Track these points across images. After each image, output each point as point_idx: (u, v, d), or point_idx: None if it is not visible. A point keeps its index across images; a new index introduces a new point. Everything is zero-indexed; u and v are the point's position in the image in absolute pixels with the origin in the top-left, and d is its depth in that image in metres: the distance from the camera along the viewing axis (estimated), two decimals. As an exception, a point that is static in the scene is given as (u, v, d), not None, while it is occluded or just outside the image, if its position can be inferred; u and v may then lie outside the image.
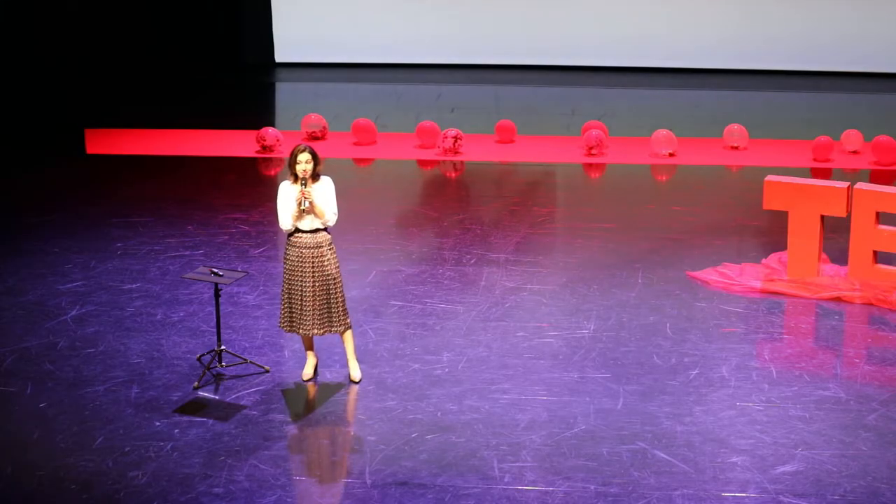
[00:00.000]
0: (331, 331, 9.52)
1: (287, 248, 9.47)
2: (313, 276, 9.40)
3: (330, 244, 9.43)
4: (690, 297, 11.36)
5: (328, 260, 9.42)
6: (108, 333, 10.63)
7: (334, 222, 9.44)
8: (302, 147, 9.33)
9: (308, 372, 9.82)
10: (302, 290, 9.44)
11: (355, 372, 9.75)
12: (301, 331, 9.52)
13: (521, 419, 9.12)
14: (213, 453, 8.67)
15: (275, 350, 10.30)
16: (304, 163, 9.26)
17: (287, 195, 9.35)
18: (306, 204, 9.25)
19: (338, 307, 9.49)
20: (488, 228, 13.34)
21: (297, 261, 9.42)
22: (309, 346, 9.84)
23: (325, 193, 9.36)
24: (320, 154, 9.47)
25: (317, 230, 9.39)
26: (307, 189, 9.25)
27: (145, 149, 16.69)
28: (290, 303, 9.51)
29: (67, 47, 17.76)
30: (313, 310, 9.45)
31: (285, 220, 9.38)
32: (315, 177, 9.34)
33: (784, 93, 19.89)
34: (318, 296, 9.43)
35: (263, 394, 9.55)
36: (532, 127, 17.42)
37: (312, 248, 9.39)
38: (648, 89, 20.07)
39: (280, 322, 9.62)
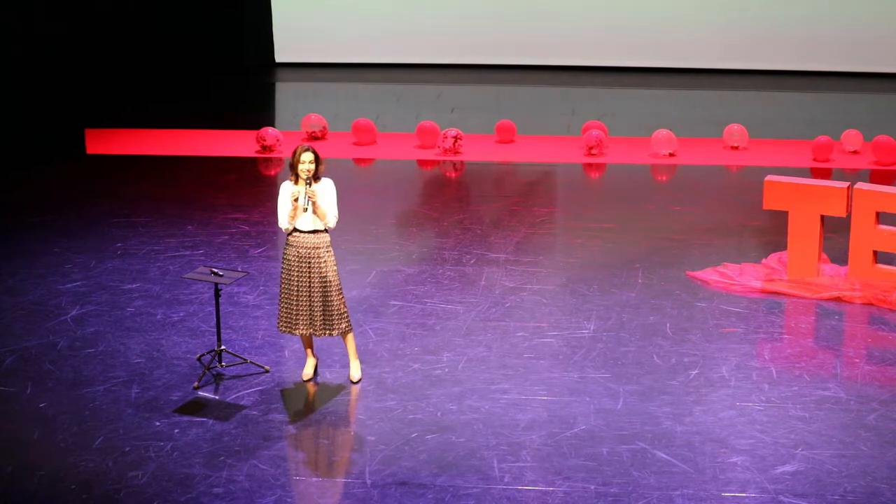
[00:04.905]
0: (329, 334, 9.51)
1: (286, 248, 9.47)
2: (310, 277, 9.40)
3: (328, 247, 9.42)
4: (690, 297, 11.36)
5: (325, 262, 9.41)
6: (108, 333, 10.63)
7: (334, 225, 9.43)
8: (305, 147, 9.34)
9: (308, 372, 9.82)
10: (299, 290, 9.43)
11: (355, 372, 9.75)
12: (296, 330, 9.52)
13: (521, 419, 9.11)
14: (213, 453, 8.66)
15: (275, 350, 10.30)
16: (307, 162, 9.27)
17: (287, 195, 9.35)
18: (308, 204, 9.25)
19: (335, 311, 9.48)
20: (488, 228, 13.34)
21: (295, 260, 9.42)
22: (308, 346, 9.83)
23: (325, 195, 9.36)
24: (321, 154, 9.48)
25: (316, 231, 9.39)
26: (311, 189, 9.26)
27: (145, 149, 16.68)
28: (287, 302, 9.51)
29: (68, 47, 17.74)
30: (310, 310, 9.45)
31: (283, 219, 9.38)
32: (317, 178, 9.34)
33: (784, 93, 19.88)
34: (315, 297, 9.43)
35: (263, 394, 9.55)
36: (532, 127, 17.41)
37: (310, 248, 9.38)
38: (648, 89, 20.06)
39: (278, 323, 9.62)
